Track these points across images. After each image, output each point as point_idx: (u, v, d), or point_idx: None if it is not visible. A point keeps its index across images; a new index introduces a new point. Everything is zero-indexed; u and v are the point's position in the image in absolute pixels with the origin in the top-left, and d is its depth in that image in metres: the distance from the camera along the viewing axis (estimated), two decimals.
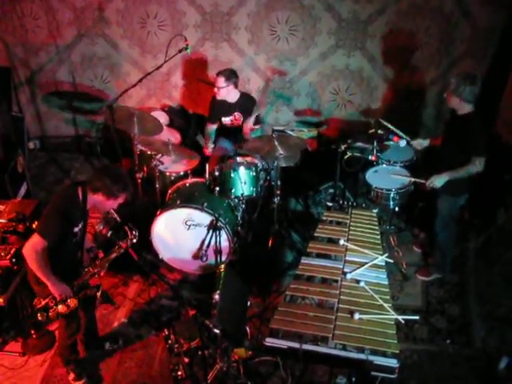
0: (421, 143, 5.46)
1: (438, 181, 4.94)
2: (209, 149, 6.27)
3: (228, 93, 5.98)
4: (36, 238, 3.87)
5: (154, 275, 5.55)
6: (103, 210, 4.13)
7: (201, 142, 6.94)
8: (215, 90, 5.95)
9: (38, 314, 4.13)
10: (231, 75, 5.90)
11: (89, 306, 4.53)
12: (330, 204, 6.16)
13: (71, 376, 4.61)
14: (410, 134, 5.53)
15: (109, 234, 4.20)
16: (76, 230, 4.06)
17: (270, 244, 5.83)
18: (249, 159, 5.63)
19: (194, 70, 7.06)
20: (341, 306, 3.78)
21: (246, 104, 6.13)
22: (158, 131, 5.78)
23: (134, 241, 4.18)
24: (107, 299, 5.17)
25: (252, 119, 6.16)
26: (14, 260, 4.48)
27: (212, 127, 6.25)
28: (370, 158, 5.62)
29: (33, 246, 3.87)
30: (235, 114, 6.14)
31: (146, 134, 5.75)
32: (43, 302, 4.10)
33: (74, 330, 4.40)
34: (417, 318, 4.61)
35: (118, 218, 4.18)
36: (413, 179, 5.37)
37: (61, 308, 4.11)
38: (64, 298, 4.07)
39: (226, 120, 6.20)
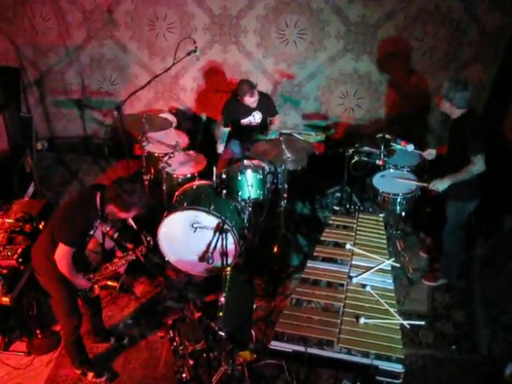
0: (431, 153, 5.47)
1: (439, 185, 4.94)
2: (220, 149, 6.26)
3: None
4: (63, 248, 4.03)
5: (160, 277, 5.56)
6: (117, 218, 4.24)
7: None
8: (247, 103, 5.96)
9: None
10: (254, 86, 5.93)
11: (91, 301, 4.69)
12: (336, 208, 6.15)
13: (90, 375, 4.67)
14: (417, 139, 5.52)
15: (115, 236, 4.23)
16: (92, 232, 4.21)
17: (276, 247, 5.82)
18: (256, 162, 5.64)
19: (202, 73, 7.08)
20: (346, 310, 3.78)
21: (265, 103, 6.17)
22: (166, 127, 5.87)
23: (151, 244, 4.40)
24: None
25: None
26: (20, 260, 4.49)
27: (224, 130, 6.24)
28: (377, 162, 5.62)
29: (63, 256, 4.05)
30: (254, 113, 6.16)
31: (156, 130, 5.79)
32: None
33: (74, 325, 4.46)
34: (422, 323, 4.59)
35: (135, 226, 4.31)
36: (416, 183, 5.36)
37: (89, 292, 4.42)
38: (84, 288, 4.36)
39: (245, 121, 6.20)
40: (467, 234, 5.48)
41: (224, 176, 5.45)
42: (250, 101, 5.93)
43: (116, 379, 4.70)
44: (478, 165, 4.69)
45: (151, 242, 4.39)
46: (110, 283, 4.44)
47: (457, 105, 4.67)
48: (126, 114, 5.80)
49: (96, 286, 4.40)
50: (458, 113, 4.74)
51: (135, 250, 4.37)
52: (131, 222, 4.29)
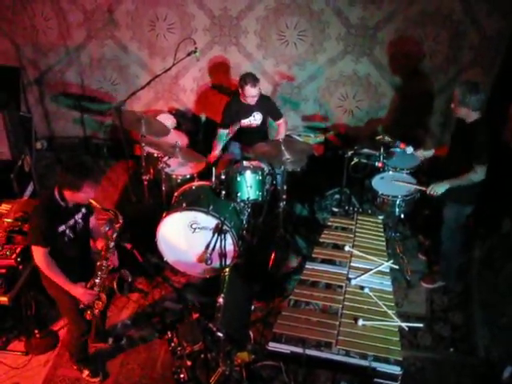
0: (423, 154, 5.48)
1: (438, 188, 4.95)
2: (215, 153, 6.12)
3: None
4: (34, 249, 3.99)
5: (159, 277, 5.56)
6: (83, 203, 4.14)
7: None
8: (247, 99, 5.88)
9: (86, 314, 4.25)
10: (257, 79, 5.85)
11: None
12: (335, 209, 6.17)
13: (85, 373, 4.67)
14: (416, 141, 5.53)
15: (113, 236, 4.22)
16: (61, 229, 4.08)
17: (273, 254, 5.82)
18: (255, 163, 5.64)
19: (202, 74, 7.08)
20: (345, 311, 3.78)
21: (266, 104, 6.14)
22: (164, 134, 5.80)
23: (121, 221, 4.27)
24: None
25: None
26: (19, 259, 4.49)
27: (223, 132, 6.18)
28: (376, 164, 5.62)
29: (38, 258, 4.00)
30: (254, 113, 6.11)
31: (154, 135, 5.77)
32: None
33: (84, 330, 4.46)
34: (421, 325, 4.57)
35: (98, 206, 4.19)
36: (414, 186, 5.36)
37: (98, 304, 4.24)
38: (89, 300, 4.18)
39: (245, 121, 6.16)
40: (465, 236, 5.49)
41: (223, 177, 5.46)
42: (251, 92, 5.80)
43: (107, 378, 4.70)
44: (479, 174, 4.73)
45: (119, 217, 4.27)
46: (108, 284, 4.35)
47: (474, 108, 4.67)
48: (126, 110, 5.76)
49: (103, 295, 4.25)
50: (474, 116, 4.73)
51: (112, 230, 4.27)
52: (93, 202, 4.16)
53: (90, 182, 3.95)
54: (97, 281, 4.22)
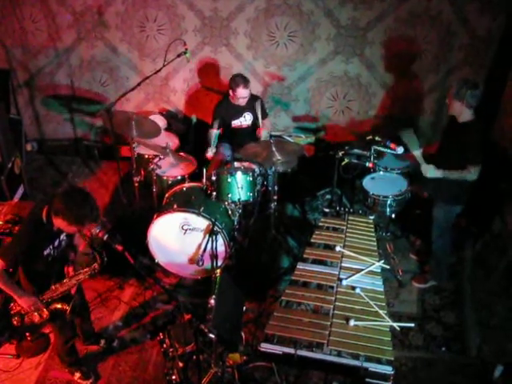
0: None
1: (430, 171, 4.91)
2: (210, 153, 6.10)
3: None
4: None
5: (150, 279, 5.54)
6: (68, 233, 3.97)
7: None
8: (237, 99, 5.91)
9: (13, 319, 4.15)
10: (248, 80, 5.87)
11: (81, 311, 4.63)
12: (326, 210, 6.14)
13: (77, 375, 4.65)
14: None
15: (105, 238, 4.18)
16: (46, 252, 3.98)
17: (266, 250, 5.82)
18: (246, 164, 5.64)
19: (192, 75, 7.07)
20: (336, 312, 3.79)
21: (255, 103, 6.13)
22: (156, 134, 5.77)
23: (101, 264, 4.11)
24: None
25: (260, 116, 6.21)
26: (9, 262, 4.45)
27: (214, 132, 6.20)
28: (367, 164, 5.62)
29: None
30: (245, 114, 6.14)
31: (144, 137, 5.75)
32: (18, 308, 4.11)
33: (69, 336, 4.46)
34: (412, 325, 4.60)
35: (85, 241, 4.04)
36: (416, 153, 5.23)
37: (34, 317, 4.11)
38: (32, 310, 4.05)
39: (236, 122, 6.18)
40: (456, 236, 5.50)
41: (214, 178, 5.44)
42: (243, 93, 5.84)
43: (99, 380, 4.69)
44: (473, 174, 4.73)
45: (104, 260, 4.10)
46: (59, 306, 4.16)
47: (468, 104, 4.63)
48: (117, 111, 5.75)
49: (45, 312, 4.09)
50: (467, 115, 4.71)
51: (89, 267, 4.10)
52: (80, 238, 4.01)
53: (90, 221, 3.78)
54: (44, 299, 4.10)
